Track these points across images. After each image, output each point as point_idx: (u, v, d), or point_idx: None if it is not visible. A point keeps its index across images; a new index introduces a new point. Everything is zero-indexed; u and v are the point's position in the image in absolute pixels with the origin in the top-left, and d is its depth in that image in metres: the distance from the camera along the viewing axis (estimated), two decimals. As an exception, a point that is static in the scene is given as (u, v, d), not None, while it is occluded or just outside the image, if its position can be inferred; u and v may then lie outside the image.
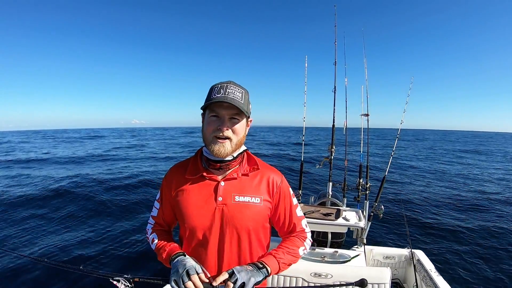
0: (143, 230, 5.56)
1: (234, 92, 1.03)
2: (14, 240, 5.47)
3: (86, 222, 6.39)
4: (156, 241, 1.17)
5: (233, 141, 1.05)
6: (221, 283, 0.97)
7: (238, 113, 1.04)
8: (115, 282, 1.12)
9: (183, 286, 0.94)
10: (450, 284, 2.52)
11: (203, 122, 1.11)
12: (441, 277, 2.62)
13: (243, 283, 0.95)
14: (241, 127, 1.08)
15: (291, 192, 1.23)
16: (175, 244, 1.15)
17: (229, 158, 1.09)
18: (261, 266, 1.04)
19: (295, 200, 1.24)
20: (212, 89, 1.05)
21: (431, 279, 2.63)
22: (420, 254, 3.12)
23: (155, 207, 1.22)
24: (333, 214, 2.85)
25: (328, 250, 2.61)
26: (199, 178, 1.11)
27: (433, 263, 2.91)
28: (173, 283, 0.96)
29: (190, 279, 0.95)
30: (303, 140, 3.90)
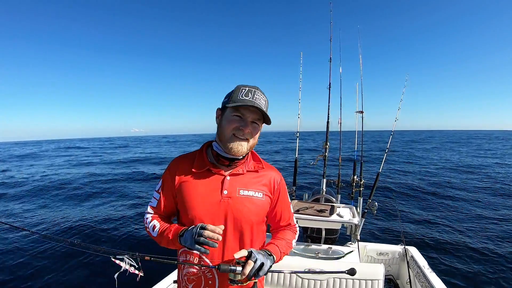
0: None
1: (260, 99, 1.09)
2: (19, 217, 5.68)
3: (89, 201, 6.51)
4: (158, 226, 1.15)
5: (249, 143, 1.12)
6: (239, 259, 1.01)
7: (259, 118, 1.11)
8: (117, 262, 1.02)
9: (205, 236, 0.95)
10: (443, 280, 2.52)
11: (218, 117, 1.15)
12: (434, 274, 2.62)
13: (262, 263, 1.01)
14: (258, 132, 1.15)
15: (287, 190, 1.31)
16: (179, 226, 1.14)
17: (240, 157, 1.14)
18: (269, 253, 1.09)
19: (289, 198, 1.33)
20: (239, 90, 1.09)
21: (424, 275, 2.63)
22: (413, 250, 3.12)
23: (154, 198, 1.22)
24: (327, 210, 2.83)
25: (322, 246, 2.59)
26: (206, 172, 1.15)
27: (426, 260, 2.91)
28: (196, 246, 0.96)
29: (207, 230, 0.97)
30: (297, 136, 3.88)
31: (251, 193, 1.14)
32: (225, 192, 1.11)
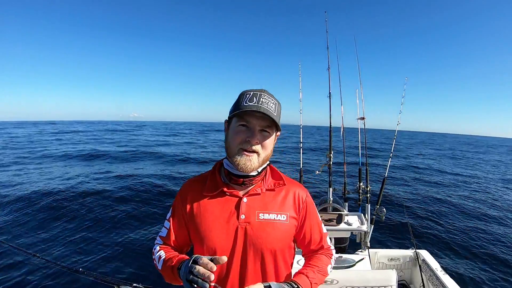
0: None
1: (268, 102, 0.94)
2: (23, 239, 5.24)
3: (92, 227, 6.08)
4: (164, 256, 1.01)
5: (260, 156, 0.97)
6: None
7: (269, 125, 0.96)
8: None
9: (195, 273, 0.79)
10: (456, 282, 2.52)
11: (226, 130, 1.02)
12: (447, 276, 2.62)
13: None
14: (271, 141, 0.99)
15: (315, 207, 1.16)
16: (183, 257, 1.01)
17: (254, 173, 1.00)
18: (296, 286, 0.95)
19: (319, 216, 1.17)
20: (242, 96, 0.96)
21: (437, 278, 2.62)
22: (425, 254, 3.12)
23: (165, 227, 1.09)
24: (335, 219, 2.86)
25: None
26: (219, 193, 1.02)
27: (438, 262, 2.91)
28: (186, 284, 0.82)
29: (198, 264, 0.81)
30: (301, 146, 3.93)
31: (272, 216, 1.00)
32: (242, 216, 0.98)
